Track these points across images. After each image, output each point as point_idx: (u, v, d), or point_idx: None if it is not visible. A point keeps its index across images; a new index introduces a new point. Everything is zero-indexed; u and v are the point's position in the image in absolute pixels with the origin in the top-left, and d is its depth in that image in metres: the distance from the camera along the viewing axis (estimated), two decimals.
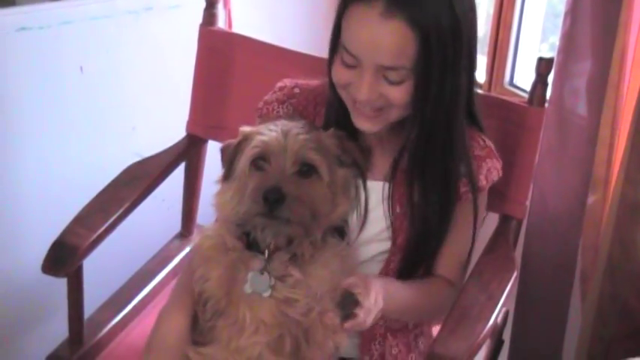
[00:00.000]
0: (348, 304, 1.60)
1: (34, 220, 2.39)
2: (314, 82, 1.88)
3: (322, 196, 1.70)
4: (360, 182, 1.81)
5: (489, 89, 2.72)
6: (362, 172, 1.80)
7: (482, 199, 1.88)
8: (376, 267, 1.83)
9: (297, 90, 1.88)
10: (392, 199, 1.81)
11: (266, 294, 1.69)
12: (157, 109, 2.61)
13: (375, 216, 1.82)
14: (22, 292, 2.41)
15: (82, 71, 2.41)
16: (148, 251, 2.34)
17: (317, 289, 1.70)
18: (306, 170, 1.69)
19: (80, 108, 2.43)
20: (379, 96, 1.68)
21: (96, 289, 2.08)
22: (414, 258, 1.83)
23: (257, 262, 1.71)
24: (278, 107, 1.87)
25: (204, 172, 2.39)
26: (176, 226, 2.44)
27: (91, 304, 2.08)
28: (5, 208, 2.34)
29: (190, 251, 1.85)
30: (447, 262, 1.86)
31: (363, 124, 1.74)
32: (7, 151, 2.30)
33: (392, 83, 1.66)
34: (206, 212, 2.23)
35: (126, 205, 2.06)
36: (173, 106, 2.45)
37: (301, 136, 1.69)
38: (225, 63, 2.28)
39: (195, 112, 2.33)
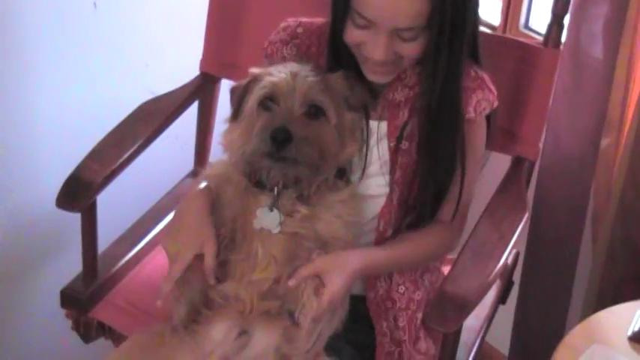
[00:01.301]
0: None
1: (48, 155, 2.39)
2: (318, 21, 1.87)
3: (330, 137, 1.72)
4: (364, 126, 1.82)
5: (504, 32, 2.70)
6: (368, 113, 1.81)
7: (477, 132, 1.86)
8: (378, 203, 1.84)
9: (300, 30, 1.88)
10: (387, 134, 1.82)
11: (275, 230, 1.72)
12: (170, 46, 2.60)
13: (373, 155, 1.83)
14: (37, 226, 2.42)
15: (96, 7, 2.39)
16: (161, 188, 2.35)
17: (322, 231, 1.74)
18: (314, 112, 1.70)
19: (93, 44, 2.42)
20: (392, 54, 1.69)
21: (110, 225, 2.10)
22: (412, 194, 1.83)
23: (265, 199, 1.74)
24: (282, 47, 1.87)
25: (217, 111, 2.40)
26: (189, 163, 2.45)
27: (104, 240, 2.10)
28: (20, 144, 2.34)
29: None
30: (445, 203, 1.85)
31: (375, 76, 1.76)
32: (21, 88, 2.30)
33: (406, 40, 1.67)
34: (219, 150, 2.24)
35: (140, 142, 2.07)
36: (186, 43, 2.44)
37: (310, 78, 1.71)
38: (239, 0, 2.27)
39: (208, 50, 2.33)
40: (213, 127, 2.40)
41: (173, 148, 2.53)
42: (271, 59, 1.87)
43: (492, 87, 1.82)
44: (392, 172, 1.82)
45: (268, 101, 1.70)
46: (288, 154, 1.65)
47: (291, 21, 1.90)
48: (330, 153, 1.72)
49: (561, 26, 2.04)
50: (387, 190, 1.83)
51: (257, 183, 1.76)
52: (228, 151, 1.80)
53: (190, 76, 2.32)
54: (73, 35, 2.38)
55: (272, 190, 1.74)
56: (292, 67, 1.74)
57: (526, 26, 2.67)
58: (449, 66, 1.71)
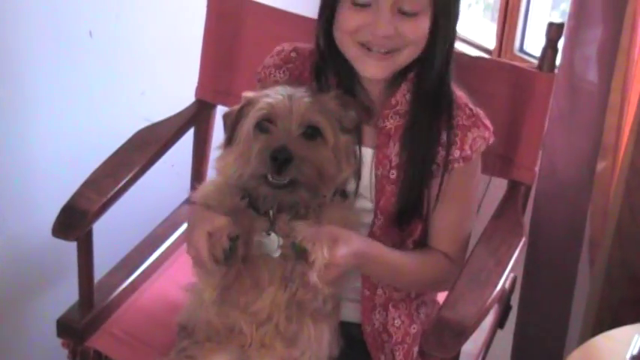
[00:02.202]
0: (298, 253, 1.62)
1: (44, 184, 2.39)
2: (313, 46, 1.86)
3: (327, 159, 1.71)
4: (357, 149, 1.81)
5: (499, 55, 2.71)
6: (360, 134, 1.80)
7: (474, 170, 1.85)
8: (363, 232, 1.83)
9: (294, 55, 1.87)
10: (375, 161, 1.81)
11: (276, 254, 1.71)
12: (166, 74, 2.60)
13: (364, 183, 1.83)
14: (33, 255, 2.42)
15: (92, 36, 2.40)
16: (157, 216, 2.34)
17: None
18: (311, 133, 1.70)
19: (89, 73, 2.42)
20: (395, 33, 1.68)
21: (106, 253, 2.09)
22: (396, 221, 1.82)
23: (261, 223, 1.72)
24: (275, 72, 1.87)
25: (213, 138, 2.39)
26: (185, 191, 2.43)
27: (101, 268, 2.09)
28: (16, 173, 2.34)
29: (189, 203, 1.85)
30: (443, 237, 1.85)
31: (372, 69, 1.74)
32: (17, 116, 2.30)
33: (408, 15, 1.66)
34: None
35: (135, 170, 2.06)
36: (182, 71, 2.44)
37: (306, 99, 1.70)
38: (234, 28, 2.27)
39: (204, 77, 2.33)
40: (209, 154, 2.39)
41: (169, 175, 2.53)
42: (263, 83, 1.87)
43: (487, 122, 1.81)
44: (377, 199, 1.82)
45: (265, 123, 1.69)
46: (288, 174, 1.64)
47: (285, 45, 1.90)
48: (328, 174, 1.72)
49: (556, 50, 2.04)
50: (368, 219, 1.83)
51: (250, 206, 1.74)
52: (221, 175, 1.78)
53: (186, 104, 2.32)
54: (68, 63, 2.38)
55: (266, 213, 1.73)
56: (286, 89, 1.73)
57: (521, 50, 2.68)
58: (437, 66, 1.73)
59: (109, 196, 1.97)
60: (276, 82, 1.84)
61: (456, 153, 1.78)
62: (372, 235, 1.82)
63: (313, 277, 1.61)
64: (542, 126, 2.06)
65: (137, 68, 2.54)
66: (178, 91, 2.38)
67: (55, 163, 2.40)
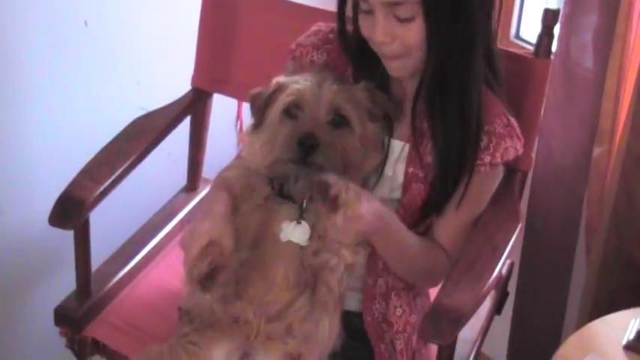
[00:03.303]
0: (322, 191, 1.61)
1: (41, 173, 2.39)
2: (349, 29, 1.85)
3: (354, 147, 1.71)
4: (387, 138, 1.81)
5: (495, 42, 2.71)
6: (391, 125, 1.79)
7: (495, 176, 1.85)
8: None
9: (332, 36, 1.86)
10: (408, 159, 1.81)
11: (305, 243, 1.70)
12: (161, 62, 2.60)
13: (387, 174, 1.83)
14: (30, 244, 2.42)
15: (87, 25, 2.39)
16: (154, 205, 2.34)
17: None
18: (339, 121, 1.69)
19: (85, 62, 2.42)
20: (392, 39, 1.67)
21: (103, 242, 2.10)
22: (419, 219, 1.83)
23: (288, 211, 1.72)
24: (312, 52, 1.86)
25: (209, 126, 2.39)
26: (182, 180, 2.44)
27: (98, 257, 2.09)
28: (12, 162, 2.34)
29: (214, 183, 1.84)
30: (447, 234, 1.85)
31: (390, 69, 1.75)
32: (13, 105, 2.30)
33: (402, 21, 1.65)
34: (211, 166, 2.24)
35: (132, 159, 2.07)
36: (178, 59, 2.44)
37: (335, 87, 1.70)
38: (230, 16, 2.27)
39: (200, 66, 2.33)
40: (205, 142, 2.40)
41: (166, 164, 2.53)
42: (299, 62, 1.86)
43: (520, 134, 1.81)
44: (402, 195, 1.82)
45: (293, 109, 1.69)
46: (314, 159, 1.64)
47: (322, 25, 1.89)
48: (354, 163, 1.71)
49: (552, 36, 2.04)
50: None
51: (280, 194, 1.74)
52: (250, 163, 1.76)
53: (182, 92, 2.32)
54: (63, 53, 2.38)
55: (299, 202, 1.72)
56: (316, 76, 1.73)
57: (517, 36, 2.68)
58: (449, 68, 1.70)
59: (105, 185, 1.97)
60: (312, 63, 1.85)
61: (487, 158, 1.77)
62: None
63: (340, 219, 1.61)
64: (538, 112, 2.06)
65: (133, 57, 2.54)
66: (174, 79, 2.38)
67: (52, 153, 2.39)
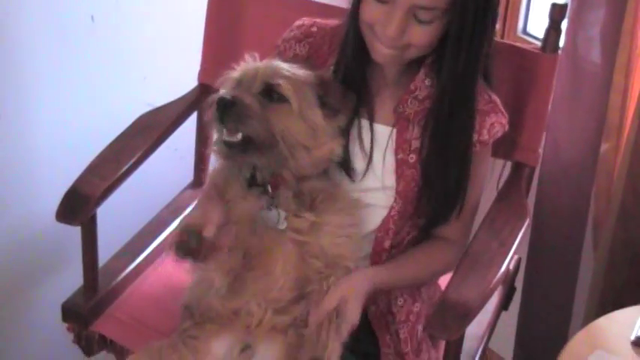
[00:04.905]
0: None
1: (47, 169, 2.39)
2: (332, 22, 1.87)
3: (293, 124, 1.70)
4: (365, 123, 1.81)
5: (502, 37, 2.70)
6: (357, 113, 1.80)
7: (486, 155, 1.87)
8: (379, 213, 1.83)
9: (314, 29, 1.88)
10: (395, 146, 1.81)
11: (282, 226, 1.71)
12: (168, 58, 2.60)
13: (377, 160, 1.83)
14: (37, 240, 2.42)
15: (93, 20, 2.39)
16: (160, 200, 2.34)
17: (327, 249, 1.73)
18: (276, 97, 1.69)
19: (91, 57, 2.42)
20: (401, 37, 1.67)
21: (110, 238, 2.10)
22: (416, 206, 1.83)
23: (263, 200, 1.73)
24: (295, 45, 1.87)
25: None
26: (188, 175, 2.44)
27: (105, 253, 2.09)
28: (19, 158, 2.34)
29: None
30: (454, 224, 1.85)
31: (380, 56, 1.74)
32: (20, 101, 2.30)
33: (421, 22, 1.65)
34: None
35: (138, 155, 2.06)
36: (184, 55, 2.44)
37: (275, 65, 1.72)
38: (236, 11, 2.27)
39: (206, 62, 2.33)
40: (211, 138, 2.39)
41: (172, 160, 2.52)
42: (283, 56, 1.86)
43: (504, 110, 1.82)
44: (397, 183, 1.82)
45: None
46: (229, 119, 1.64)
47: (305, 20, 1.91)
48: (296, 141, 1.70)
49: (559, 31, 2.03)
50: (386, 201, 1.83)
51: (251, 184, 1.75)
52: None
53: (188, 88, 2.32)
54: (70, 48, 2.38)
55: (266, 191, 1.73)
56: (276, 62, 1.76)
57: (524, 31, 2.67)
58: (464, 75, 1.71)
59: (112, 180, 1.97)
60: (296, 56, 1.86)
61: (474, 137, 1.78)
62: (389, 218, 1.83)
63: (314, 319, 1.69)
64: (545, 108, 2.06)
65: (139, 53, 2.54)
66: (181, 75, 2.37)
67: (58, 149, 2.40)
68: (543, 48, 2.03)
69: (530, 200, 2.20)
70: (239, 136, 1.66)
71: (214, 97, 1.67)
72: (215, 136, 1.73)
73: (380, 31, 1.69)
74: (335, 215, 1.75)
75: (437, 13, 1.64)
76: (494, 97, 1.82)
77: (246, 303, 1.73)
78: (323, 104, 1.74)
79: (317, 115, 1.73)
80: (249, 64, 1.74)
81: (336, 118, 1.76)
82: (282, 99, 1.69)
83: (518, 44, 2.13)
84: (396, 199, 1.82)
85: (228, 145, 1.67)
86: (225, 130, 1.67)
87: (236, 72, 1.74)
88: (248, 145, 1.67)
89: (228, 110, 1.64)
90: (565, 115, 2.23)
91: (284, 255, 1.72)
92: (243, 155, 1.69)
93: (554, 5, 2.01)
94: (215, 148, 1.75)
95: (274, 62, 1.74)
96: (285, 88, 1.69)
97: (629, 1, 2.04)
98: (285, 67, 1.72)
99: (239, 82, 1.71)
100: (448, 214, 1.83)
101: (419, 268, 1.85)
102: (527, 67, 2.03)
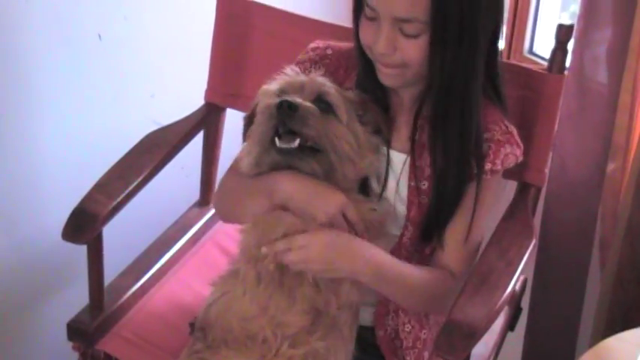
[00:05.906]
0: None
1: (54, 187, 2.40)
2: (345, 45, 1.87)
3: (342, 135, 1.70)
4: (384, 149, 1.80)
5: (508, 57, 2.71)
6: (384, 137, 1.80)
7: (496, 183, 1.85)
8: (390, 240, 1.83)
9: (329, 51, 1.88)
10: (410, 173, 1.80)
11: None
12: (175, 76, 2.61)
13: (391, 186, 1.82)
14: (43, 258, 2.42)
15: (101, 39, 2.40)
16: (167, 219, 2.34)
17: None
18: (324, 107, 1.69)
19: (98, 76, 2.43)
20: (395, 50, 1.66)
21: (116, 256, 2.09)
22: (426, 233, 1.82)
23: None
24: (310, 67, 1.86)
25: (222, 141, 2.39)
26: (195, 194, 2.44)
27: (111, 271, 2.09)
28: (26, 176, 2.35)
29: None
30: (451, 249, 1.82)
31: (384, 78, 1.74)
32: (27, 119, 2.31)
33: (408, 37, 1.65)
34: None
35: (145, 173, 2.07)
36: (191, 74, 2.44)
37: (322, 78, 1.72)
38: (243, 31, 2.28)
39: (213, 80, 2.33)
40: (218, 156, 2.40)
41: (179, 178, 2.53)
42: None
43: (520, 141, 1.81)
44: (408, 210, 1.81)
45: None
46: (295, 126, 1.63)
47: (319, 42, 1.91)
48: (345, 152, 1.70)
49: (565, 52, 2.03)
50: (397, 229, 1.82)
51: None
52: (241, 167, 1.78)
53: (195, 107, 2.32)
54: (78, 66, 2.39)
55: None
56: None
57: (530, 51, 2.67)
58: (453, 84, 1.69)
59: (119, 199, 1.97)
60: None
61: (487, 166, 1.77)
62: (401, 245, 1.83)
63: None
64: (552, 128, 2.06)
65: (146, 71, 2.55)
66: (188, 93, 2.38)
67: (65, 167, 2.40)
68: (550, 68, 2.03)
69: (537, 220, 2.20)
70: (296, 142, 1.65)
71: (269, 103, 1.66)
72: (255, 149, 1.71)
73: (375, 50, 1.69)
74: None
75: (420, 27, 1.63)
76: (512, 128, 1.80)
77: (262, 329, 1.72)
78: (361, 122, 1.75)
79: (359, 131, 1.74)
80: (290, 76, 1.73)
81: (374, 137, 1.77)
82: (330, 110, 1.70)
83: (524, 65, 2.14)
84: (407, 225, 1.82)
85: (285, 152, 1.66)
86: (277, 139, 1.66)
87: (274, 84, 1.73)
88: (304, 151, 1.66)
89: (292, 114, 1.63)
90: (571, 135, 2.23)
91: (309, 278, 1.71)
92: (299, 162, 1.68)
93: (560, 26, 2.01)
94: (261, 159, 1.71)
95: (317, 76, 1.74)
96: (336, 98, 1.70)
97: (635, 22, 2.04)
98: (328, 81, 1.73)
99: (282, 93, 1.70)
100: (442, 218, 1.81)
101: (421, 277, 1.79)
102: (534, 88, 2.03)
